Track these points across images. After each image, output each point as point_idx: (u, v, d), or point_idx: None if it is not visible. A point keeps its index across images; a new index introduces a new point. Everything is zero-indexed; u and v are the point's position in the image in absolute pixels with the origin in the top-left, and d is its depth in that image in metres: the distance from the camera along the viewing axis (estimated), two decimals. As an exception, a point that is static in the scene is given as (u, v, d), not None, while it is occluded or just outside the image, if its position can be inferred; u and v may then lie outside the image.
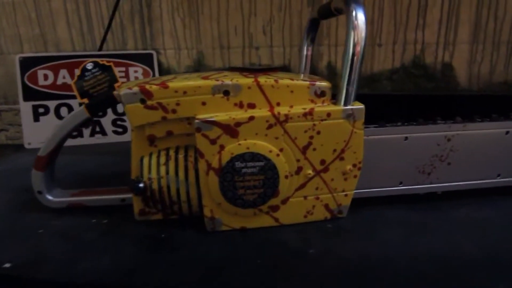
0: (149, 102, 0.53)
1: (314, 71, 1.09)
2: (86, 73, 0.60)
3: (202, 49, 1.10)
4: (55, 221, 0.61)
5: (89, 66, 0.59)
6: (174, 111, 0.54)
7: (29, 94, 1.01)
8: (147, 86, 0.53)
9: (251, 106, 0.54)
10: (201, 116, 0.53)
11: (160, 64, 1.09)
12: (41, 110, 1.02)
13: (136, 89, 0.53)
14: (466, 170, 0.64)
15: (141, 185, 0.55)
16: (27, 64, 1.00)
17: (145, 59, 1.06)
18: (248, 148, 0.53)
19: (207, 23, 1.07)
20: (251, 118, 0.53)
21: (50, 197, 0.62)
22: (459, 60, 1.08)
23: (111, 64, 0.60)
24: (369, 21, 1.06)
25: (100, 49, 0.99)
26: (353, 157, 0.57)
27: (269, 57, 1.11)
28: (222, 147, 0.53)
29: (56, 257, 0.52)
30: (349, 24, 0.52)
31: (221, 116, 0.53)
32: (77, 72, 0.60)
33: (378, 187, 0.63)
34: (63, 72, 0.97)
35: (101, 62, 0.60)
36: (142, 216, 0.60)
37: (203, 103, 0.53)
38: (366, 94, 1.07)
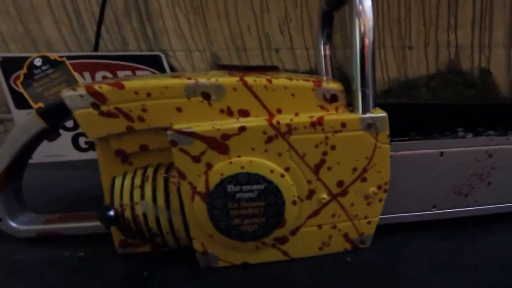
0: (104, 108, 0.43)
1: (345, 77, 0.98)
2: (35, 71, 0.49)
3: (215, 51, 1.00)
4: (19, 255, 0.52)
5: (37, 62, 0.49)
6: (141, 119, 0.44)
7: (21, 100, 0.86)
8: (96, 86, 0.43)
9: (244, 113, 0.44)
10: (177, 126, 0.43)
11: (172, 68, 0.99)
12: None
13: (82, 90, 0.43)
14: (508, 190, 0.55)
15: (111, 213, 0.45)
16: (10, 65, 0.90)
17: (153, 62, 0.97)
18: (242, 167, 0.43)
19: (215, 21, 0.98)
20: (242, 128, 0.43)
21: (14, 224, 0.53)
22: (497, 66, 0.97)
23: (64, 59, 0.49)
24: (395, 20, 0.96)
25: (96, 49, 0.91)
26: (377, 177, 0.48)
27: (292, 60, 1.00)
28: (209, 166, 0.43)
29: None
30: (353, 12, 0.43)
31: (202, 126, 0.43)
32: (23, 69, 0.49)
33: (407, 211, 0.54)
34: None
35: (52, 58, 0.49)
36: (124, 248, 0.50)
37: (178, 109, 0.43)
38: (403, 103, 0.99)
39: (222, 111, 0.44)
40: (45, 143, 0.49)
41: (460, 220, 0.56)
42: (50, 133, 0.50)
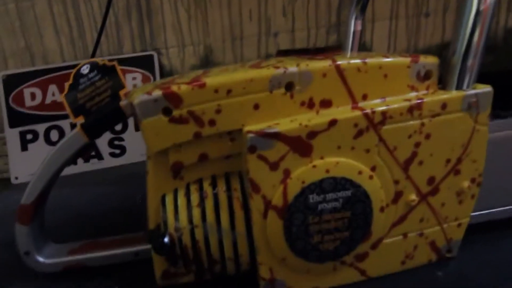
0: (176, 113, 0.36)
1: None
2: (81, 80, 0.43)
3: (210, 43, 0.96)
4: None
5: (85, 69, 0.43)
6: (212, 123, 0.37)
7: (16, 118, 0.89)
8: (174, 88, 0.36)
9: (325, 104, 0.37)
10: (255, 127, 0.36)
11: (161, 67, 0.95)
12: (29, 136, 0.90)
13: (157, 93, 0.36)
14: None
15: (166, 239, 0.39)
16: (12, 82, 0.88)
17: (145, 62, 0.94)
18: (327, 171, 0.36)
19: (216, 11, 0.93)
20: (333, 122, 0.36)
21: (41, 259, 0.48)
22: (528, 24, 0.92)
23: (115, 63, 0.43)
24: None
25: (93, 55, 0.86)
26: (472, 168, 0.41)
27: (289, 43, 0.95)
28: (287, 173, 0.36)
29: None
30: None
31: (285, 125, 0.36)
32: (69, 81, 0.43)
33: (493, 207, 0.47)
34: (52, 88, 0.88)
35: (101, 63, 0.43)
36: (167, 280, 0.43)
37: (256, 107, 0.37)
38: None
39: (303, 103, 0.37)
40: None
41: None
42: (89, 149, 0.44)
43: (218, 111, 0.36)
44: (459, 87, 0.39)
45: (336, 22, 0.92)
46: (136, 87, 0.44)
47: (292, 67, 0.36)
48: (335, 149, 0.36)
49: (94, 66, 0.45)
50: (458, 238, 0.44)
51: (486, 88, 0.38)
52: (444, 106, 0.37)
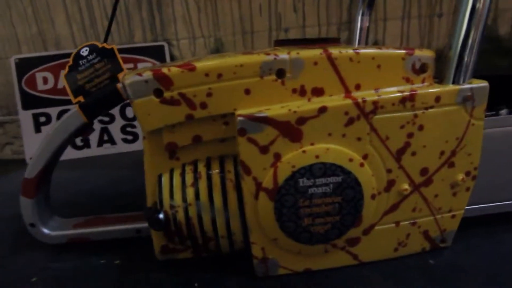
0: (167, 94, 0.38)
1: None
2: (81, 62, 0.45)
3: (220, 36, 0.98)
4: (53, 263, 0.49)
5: (84, 51, 0.45)
6: (203, 106, 0.39)
7: (28, 101, 0.94)
8: (164, 70, 0.38)
9: (317, 92, 0.39)
10: (246, 111, 0.37)
11: (172, 58, 0.99)
12: (42, 119, 0.94)
13: (148, 74, 0.38)
14: None
15: (161, 216, 0.41)
16: (24, 66, 0.92)
17: (156, 52, 0.97)
18: (317, 156, 0.38)
19: (226, 4, 0.95)
20: (322, 109, 0.37)
21: (46, 231, 0.51)
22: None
23: (113, 47, 0.45)
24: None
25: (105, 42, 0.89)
26: (467, 161, 0.42)
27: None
28: (277, 157, 0.38)
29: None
30: None
31: (275, 110, 0.37)
32: (69, 61, 0.46)
33: (491, 201, 0.48)
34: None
35: (100, 46, 0.45)
36: (165, 255, 0.46)
37: (246, 92, 0.38)
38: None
39: (294, 91, 0.38)
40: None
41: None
42: (86, 129, 0.46)
43: (209, 95, 0.38)
44: (455, 81, 0.40)
45: (347, 20, 0.93)
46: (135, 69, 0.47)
47: (282, 54, 0.37)
48: (325, 136, 0.38)
49: (93, 49, 0.48)
50: (452, 229, 0.45)
51: (482, 83, 0.39)
52: (437, 98, 0.38)
